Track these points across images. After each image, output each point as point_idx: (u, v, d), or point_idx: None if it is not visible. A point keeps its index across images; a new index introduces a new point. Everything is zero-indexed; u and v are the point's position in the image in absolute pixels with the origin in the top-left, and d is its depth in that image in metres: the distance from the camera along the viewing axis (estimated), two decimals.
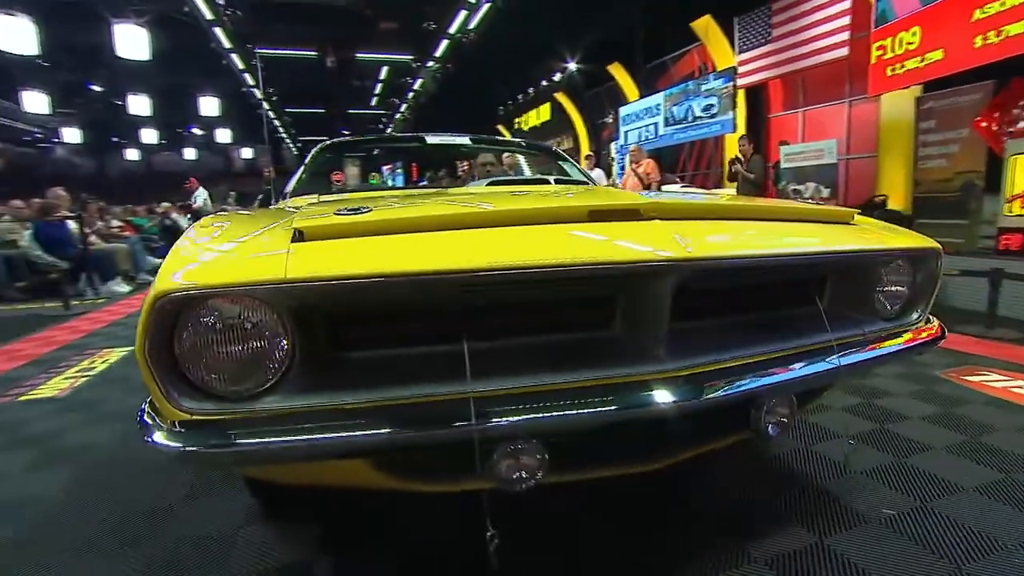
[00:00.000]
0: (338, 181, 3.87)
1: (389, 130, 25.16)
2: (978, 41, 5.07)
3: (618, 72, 13.57)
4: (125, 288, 6.23)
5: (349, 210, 1.08)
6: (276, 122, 23.84)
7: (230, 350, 0.90)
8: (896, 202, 6.88)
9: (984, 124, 5.09)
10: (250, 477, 1.44)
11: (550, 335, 1.10)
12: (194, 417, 0.89)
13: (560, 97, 17.09)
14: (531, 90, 19.07)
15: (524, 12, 11.66)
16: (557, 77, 16.63)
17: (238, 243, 0.99)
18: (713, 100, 9.56)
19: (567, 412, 0.94)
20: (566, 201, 1.35)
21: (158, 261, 5.22)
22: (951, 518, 1.50)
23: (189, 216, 8.64)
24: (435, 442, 0.93)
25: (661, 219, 1.08)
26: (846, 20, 7.20)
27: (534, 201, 1.34)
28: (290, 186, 2.58)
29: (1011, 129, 4.87)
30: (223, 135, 24.06)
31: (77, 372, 3.17)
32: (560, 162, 3.16)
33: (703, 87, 9.80)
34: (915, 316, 1.44)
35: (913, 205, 6.37)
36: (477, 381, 0.93)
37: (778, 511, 1.56)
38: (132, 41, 10.74)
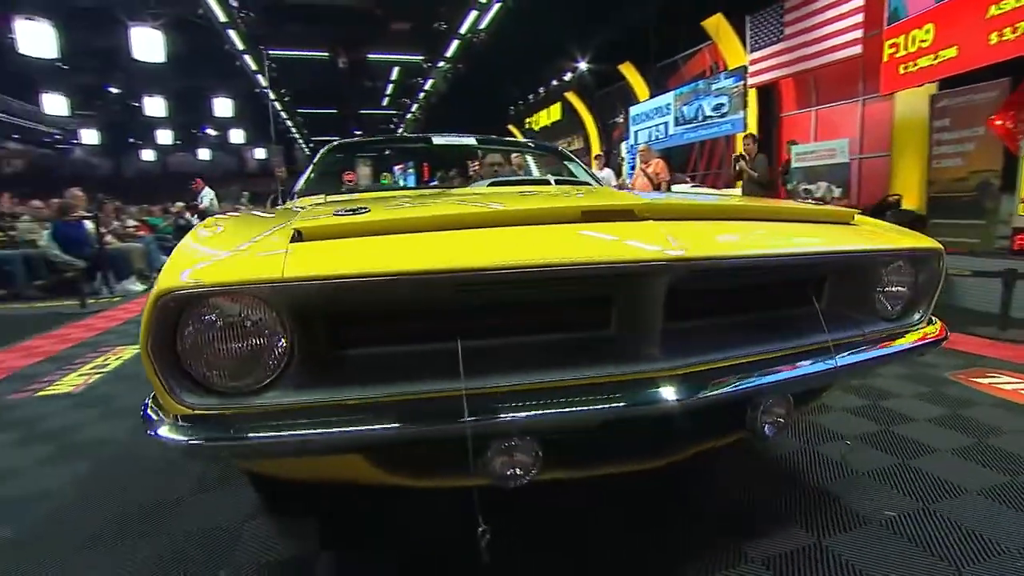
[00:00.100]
0: (350, 181, 3.92)
1: (400, 130, 25.33)
2: (993, 38, 5.00)
3: (629, 71, 13.52)
4: (140, 287, 6.34)
5: (347, 211, 1.11)
6: (289, 123, 24.09)
7: (230, 347, 0.92)
8: (910, 202, 6.79)
9: (999, 122, 5.01)
10: (253, 472, 1.47)
11: (545, 334, 1.11)
12: (196, 412, 0.91)
13: (571, 97, 17.06)
14: (542, 90, 19.05)
15: (534, 12, 11.67)
16: (568, 77, 16.60)
17: (239, 243, 1.01)
18: (723, 99, 9.50)
19: (559, 410, 0.96)
20: (561, 201, 1.36)
21: None
22: (953, 521, 1.49)
23: (196, 216, 8.74)
24: (429, 438, 0.95)
25: (655, 219, 1.09)
26: (859, 18, 7.12)
27: (530, 201, 1.35)
28: (298, 186, 2.62)
29: None
30: (236, 136, 24.36)
31: (92, 369, 3.24)
32: (566, 162, 3.16)
33: (713, 86, 9.75)
34: (917, 317, 1.43)
35: (927, 205, 6.28)
36: (471, 379, 0.94)
37: (778, 511, 1.56)
38: (148, 44, 10.94)
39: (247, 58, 14.30)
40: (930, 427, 2.10)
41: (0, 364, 3.36)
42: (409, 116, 23.10)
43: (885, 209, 6.51)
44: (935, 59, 5.57)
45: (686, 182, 9.60)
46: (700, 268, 1.03)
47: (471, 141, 3.12)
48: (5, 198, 10.20)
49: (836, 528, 1.46)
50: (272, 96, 18.67)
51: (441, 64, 15.40)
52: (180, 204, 10.29)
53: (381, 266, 0.91)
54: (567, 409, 0.96)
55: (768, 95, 9.50)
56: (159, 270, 0.97)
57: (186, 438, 0.90)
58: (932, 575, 1.29)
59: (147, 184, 23.12)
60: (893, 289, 1.40)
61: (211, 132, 25.81)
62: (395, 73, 19.29)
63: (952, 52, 5.39)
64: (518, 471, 1.01)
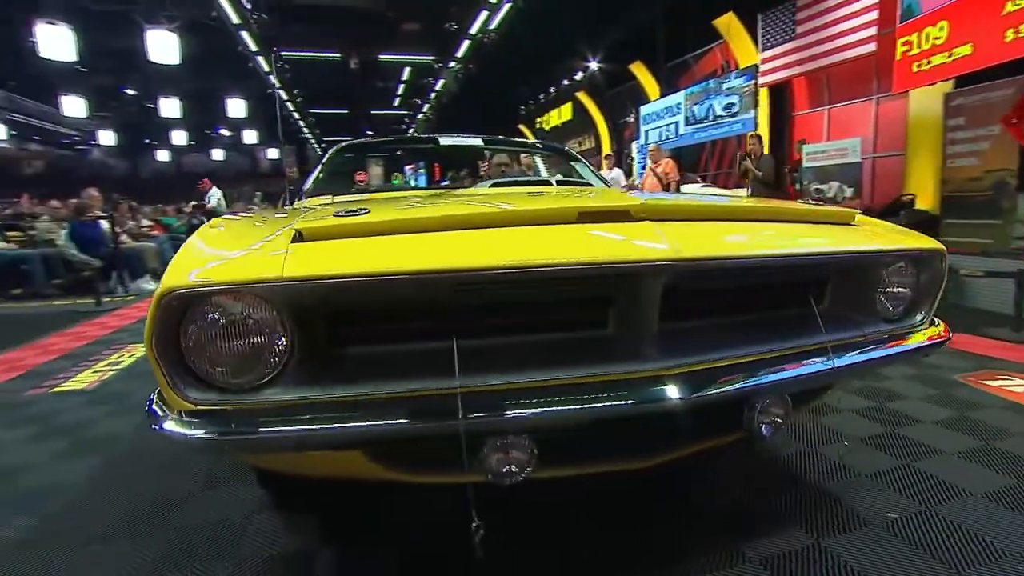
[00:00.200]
0: (361, 181, 3.95)
1: (412, 130, 25.43)
2: (1009, 35, 4.91)
3: (640, 71, 13.47)
4: (153, 286, 6.42)
5: (348, 211, 1.13)
6: (301, 123, 24.31)
7: (232, 344, 0.95)
8: (924, 202, 6.69)
9: (1015, 121, 4.92)
10: (258, 468, 1.50)
11: (543, 334, 1.12)
12: (198, 407, 0.94)
13: (582, 97, 17.03)
14: (552, 90, 19.03)
15: (545, 12, 11.66)
16: (578, 76, 16.56)
17: (241, 244, 1.04)
18: (734, 99, 9.43)
19: (553, 409, 0.97)
20: (559, 202, 1.38)
21: None
22: (955, 523, 1.48)
23: (203, 216, 8.81)
24: (424, 435, 0.97)
25: (651, 220, 1.10)
26: (873, 15, 7.02)
27: (528, 202, 1.37)
28: (306, 187, 2.65)
29: None
30: (249, 136, 24.61)
31: (105, 366, 3.31)
32: (572, 163, 3.17)
33: (724, 85, 9.68)
34: (919, 318, 1.42)
35: (941, 204, 6.19)
36: (467, 377, 0.96)
37: (778, 511, 1.56)
38: (163, 46, 11.08)
39: (260, 59, 14.44)
40: (936, 429, 2.08)
41: (18, 361, 3.44)
42: (420, 116, 23.18)
43: (899, 209, 6.43)
44: (949, 57, 5.49)
45: (696, 182, 9.54)
46: (695, 269, 1.04)
47: (477, 142, 3.15)
48: (25, 198, 10.42)
49: (836, 529, 1.46)
50: (285, 97, 18.88)
51: (452, 64, 15.44)
52: (195, 203, 10.43)
53: (379, 266, 0.93)
54: (561, 408, 0.97)
55: (780, 94, 9.41)
56: None
57: (189, 433, 0.93)
58: None
59: (162, 184, 23.47)
60: (894, 290, 1.39)
61: (224, 133, 26.11)
62: (406, 73, 19.38)
63: (967, 49, 5.31)
64: (514, 468, 1.03)
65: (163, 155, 27.63)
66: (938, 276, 1.40)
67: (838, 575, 1.30)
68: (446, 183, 5.02)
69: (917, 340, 1.38)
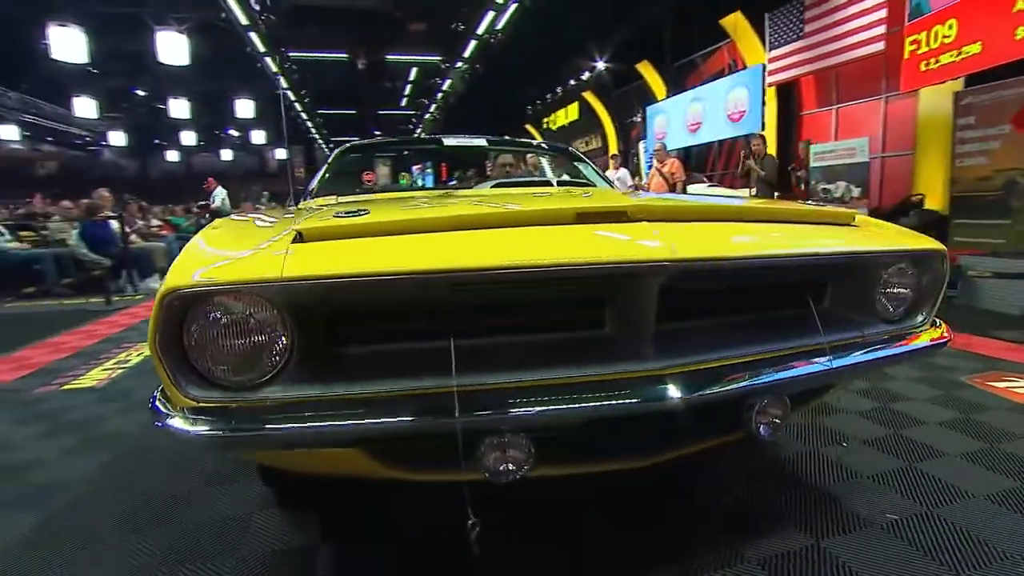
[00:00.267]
0: (369, 181, 3.98)
1: (419, 130, 25.50)
2: (1020, 33, 4.86)
3: (646, 70, 13.42)
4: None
5: (347, 213, 1.14)
6: (309, 123, 24.44)
7: (233, 343, 0.96)
8: (934, 202, 6.63)
9: None
10: (262, 466, 1.52)
11: (540, 334, 1.13)
12: (200, 404, 0.96)
13: (588, 96, 16.99)
14: (559, 89, 19.00)
15: (551, 12, 11.66)
16: (585, 76, 16.53)
17: (243, 244, 1.06)
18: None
19: (547, 408, 0.98)
20: (557, 203, 1.39)
21: None
22: (956, 525, 1.47)
23: (207, 216, 8.82)
24: (421, 432, 0.98)
25: (648, 221, 1.11)
26: (882, 13, 6.97)
27: (526, 203, 1.38)
28: (312, 187, 2.68)
29: None
30: (258, 136, 24.77)
31: (114, 364, 3.36)
32: (575, 163, 3.18)
33: (731, 85, 9.63)
34: (920, 319, 1.42)
35: (950, 204, 6.13)
36: (464, 376, 0.97)
37: (778, 512, 1.56)
38: (173, 48, 11.20)
39: (268, 60, 14.55)
40: (940, 431, 2.07)
41: (30, 359, 3.50)
42: (428, 116, 23.24)
43: (908, 209, 6.37)
44: (958, 55, 5.44)
45: (703, 182, 9.51)
46: (691, 269, 1.05)
47: (481, 142, 3.16)
48: (37, 199, 10.56)
49: (835, 530, 1.46)
50: (292, 97, 19.00)
51: (459, 64, 15.47)
52: (199, 204, 10.51)
53: (377, 266, 0.95)
54: (556, 407, 0.98)
55: (788, 93, 9.36)
56: None
57: (191, 429, 0.95)
58: None
59: (172, 184, 23.70)
60: (895, 290, 1.39)
61: (233, 133, 26.31)
62: (413, 74, 19.45)
63: (976, 48, 5.25)
64: (511, 467, 1.04)
65: (172, 155, 27.89)
66: (939, 277, 1.39)
67: (835, 575, 1.30)
68: (453, 183, 5.06)
69: (917, 341, 1.37)
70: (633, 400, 1.02)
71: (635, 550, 1.41)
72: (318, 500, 1.69)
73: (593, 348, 1.11)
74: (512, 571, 1.36)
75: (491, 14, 11.98)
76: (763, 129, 8.87)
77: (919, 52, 5.94)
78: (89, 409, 2.58)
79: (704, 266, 1.06)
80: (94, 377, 3.09)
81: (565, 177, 3.30)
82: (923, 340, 1.38)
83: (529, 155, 4.69)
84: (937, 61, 5.72)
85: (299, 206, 2.43)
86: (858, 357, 1.26)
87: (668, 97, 11.92)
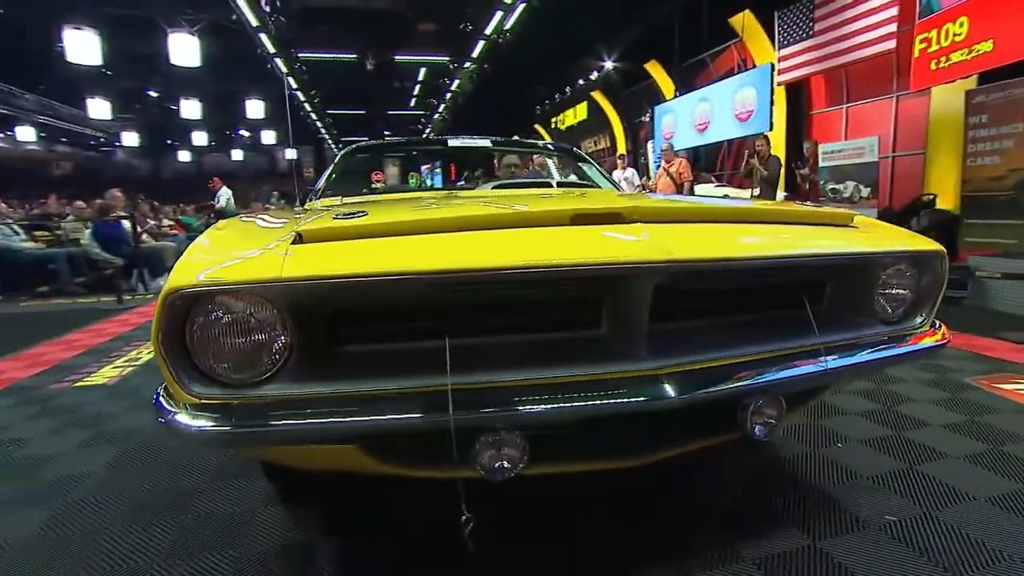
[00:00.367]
0: (378, 181, 4.02)
1: (428, 130, 25.60)
2: None
3: (655, 70, 13.38)
4: None
5: (346, 214, 1.16)
6: (318, 124, 24.61)
7: (234, 342, 0.99)
8: (946, 201, 6.56)
9: None
10: (264, 462, 1.55)
11: (536, 334, 1.15)
12: (202, 401, 0.98)
13: (597, 96, 16.97)
14: (568, 89, 19.00)
15: (559, 12, 11.66)
16: (594, 76, 16.52)
17: (244, 245, 1.08)
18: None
19: (542, 407, 1.00)
20: (553, 204, 1.40)
21: None
22: (956, 527, 1.47)
23: (211, 216, 8.83)
24: (416, 430, 1.00)
25: (643, 222, 1.12)
26: (893, 11, 6.91)
27: (523, 205, 1.39)
28: (318, 186, 2.72)
29: None
30: (268, 136, 24.99)
31: (125, 362, 3.41)
32: (580, 163, 3.19)
33: (740, 84, 9.57)
34: (919, 320, 1.42)
35: (961, 204, 6.07)
36: (459, 375, 0.99)
37: (776, 511, 1.57)
38: (185, 49, 11.34)
39: (278, 61, 14.68)
40: (944, 433, 2.05)
41: (43, 356, 3.57)
42: (436, 116, 23.31)
43: (919, 209, 6.30)
44: (968, 53, 5.38)
45: (710, 182, 9.47)
46: (685, 270, 1.06)
47: (486, 143, 3.17)
48: (52, 199, 10.73)
49: (833, 531, 1.46)
50: (302, 98, 19.15)
51: (467, 65, 15.50)
52: (203, 204, 10.62)
53: (374, 267, 0.97)
54: (549, 406, 1.00)
55: (797, 93, 9.30)
56: None
57: (192, 425, 0.97)
58: None
59: (183, 184, 23.95)
60: (893, 291, 1.39)
61: (244, 133, 26.57)
62: (422, 74, 19.52)
63: (987, 46, 5.20)
64: (506, 464, 1.05)
65: (184, 155, 28.21)
66: (938, 278, 1.39)
67: None
68: (461, 182, 5.10)
69: (916, 342, 1.37)
70: (627, 399, 1.04)
71: (631, 548, 1.42)
72: (320, 496, 1.71)
73: (588, 348, 1.12)
74: (508, 568, 1.38)
75: (499, 14, 12.00)
76: (771, 129, 8.82)
77: (929, 50, 5.89)
78: (100, 406, 2.63)
79: (697, 267, 1.06)
80: (105, 374, 3.15)
81: (572, 178, 3.32)
82: (922, 341, 1.38)
83: (534, 155, 4.71)
84: (948, 59, 5.66)
85: (305, 207, 2.47)
86: (854, 358, 1.26)
87: (676, 97, 11.86)
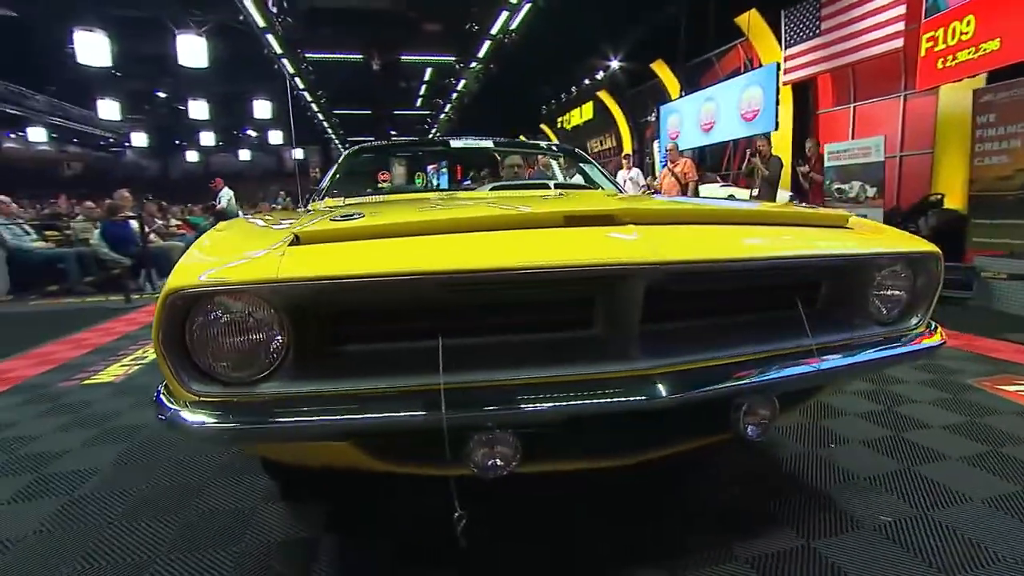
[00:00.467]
0: (384, 181, 4.05)
1: (434, 130, 25.66)
2: None
3: (661, 70, 13.35)
4: None
5: (342, 216, 1.19)
6: (325, 124, 24.72)
7: (232, 340, 1.01)
8: (954, 201, 6.51)
9: None
10: (265, 459, 1.57)
11: (529, 334, 1.16)
12: (201, 399, 1.01)
13: (603, 96, 16.95)
14: (573, 89, 18.98)
15: (565, 11, 11.65)
16: (600, 76, 16.49)
17: (243, 247, 1.10)
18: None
19: (533, 406, 1.01)
20: (546, 206, 1.41)
21: None
22: (951, 528, 1.47)
23: (212, 218, 8.84)
24: (409, 428, 1.02)
25: (636, 224, 1.13)
26: (901, 9, 6.86)
27: (518, 206, 1.40)
28: (322, 186, 2.75)
29: None
30: (275, 137, 25.14)
31: (132, 360, 3.46)
32: (581, 164, 3.21)
33: (746, 83, 9.53)
34: (914, 321, 1.42)
35: (968, 204, 6.02)
36: (451, 375, 1.00)
37: (771, 511, 1.57)
38: (192, 50, 11.44)
39: (285, 62, 14.76)
40: (943, 434, 2.05)
41: (52, 355, 3.62)
42: (443, 116, 23.35)
43: (926, 209, 6.26)
44: (975, 52, 5.34)
45: (716, 182, 9.44)
46: (675, 272, 1.07)
47: (488, 144, 3.19)
48: (62, 199, 10.86)
49: (827, 531, 1.47)
50: (309, 98, 19.25)
51: (473, 65, 15.52)
52: (203, 206, 10.71)
53: (368, 268, 0.99)
54: (540, 405, 1.01)
55: (804, 92, 9.25)
56: None
57: (192, 422, 0.99)
58: None
59: (192, 184, 24.15)
60: (888, 292, 1.39)
61: (251, 133, 26.74)
62: (428, 74, 19.56)
63: (994, 45, 5.16)
64: (499, 462, 1.07)
65: (192, 156, 28.44)
66: (934, 279, 1.39)
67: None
68: (468, 182, 5.12)
69: (911, 343, 1.38)
70: (619, 399, 1.05)
71: (624, 547, 1.43)
72: (321, 493, 1.74)
73: (582, 348, 1.14)
74: (505, 565, 1.39)
75: (505, 14, 12.00)
76: (777, 128, 8.79)
77: (936, 49, 5.85)
78: (107, 403, 2.67)
79: (687, 269, 1.08)
80: (112, 373, 3.20)
81: (578, 178, 3.33)
82: (917, 342, 1.38)
83: (539, 156, 4.71)
84: (954, 58, 5.62)
85: (308, 208, 2.50)
86: (848, 359, 1.27)
87: (682, 96, 11.83)
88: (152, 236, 6.92)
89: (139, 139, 24.71)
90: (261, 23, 11.79)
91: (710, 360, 1.16)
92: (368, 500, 1.70)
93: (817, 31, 8.23)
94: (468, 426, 1.01)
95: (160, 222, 7.85)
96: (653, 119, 13.44)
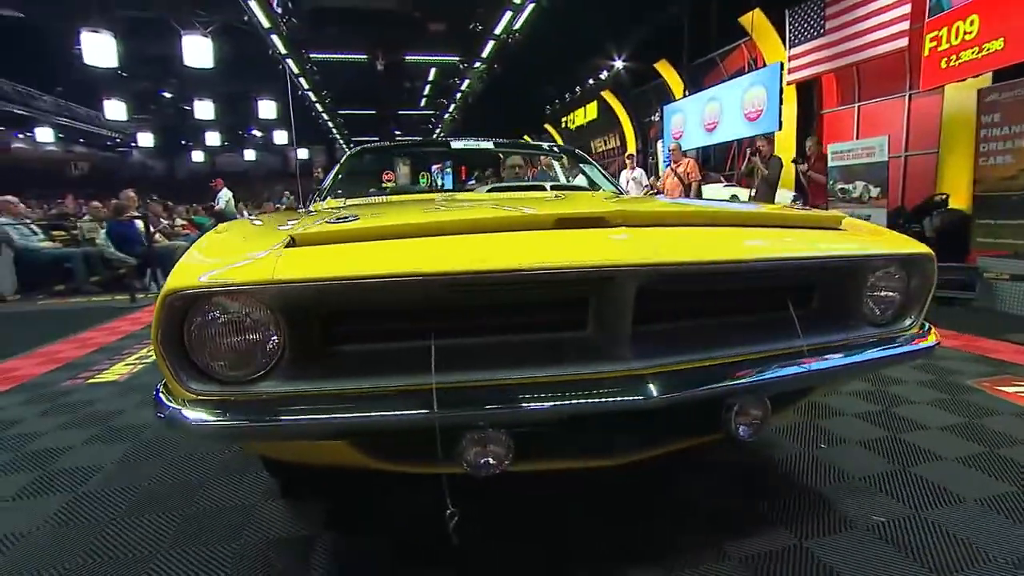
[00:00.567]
0: (389, 181, 4.08)
1: (438, 129, 25.71)
2: None
3: (665, 69, 13.34)
4: None
5: (338, 219, 1.21)
6: (330, 124, 24.80)
7: (230, 340, 1.03)
8: (959, 201, 6.48)
9: None
10: (264, 457, 1.59)
11: (522, 334, 1.18)
12: (199, 397, 1.03)
13: (607, 95, 16.95)
14: (578, 89, 19.00)
15: (569, 11, 11.66)
16: (604, 75, 16.50)
17: (241, 248, 1.13)
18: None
19: (525, 405, 1.03)
20: (540, 208, 1.42)
21: None
22: (944, 528, 1.48)
23: (211, 219, 8.87)
24: (402, 427, 1.03)
25: (627, 226, 1.15)
26: (906, 8, 6.84)
27: (510, 208, 1.42)
28: (324, 186, 2.77)
29: None
30: (280, 137, 25.23)
31: (136, 359, 3.50)
32: (581, 164, 3.22)
33: (750, 83, 9.51)
34: (908, 323, 1.43)
35: (972, 204, 5.99)
36: (443, 374, 1.02)
37: (764, 511, 1.58)
38: (198, 51, 11.51)
39: (290, 62, 14.83)
40: (940, 435, 2.05)
41: (58, 354, 3.66)
42: (447, 116, 23.40)
43: (931, 209, 6.23)
44: (979, 52, 5.32)
45: (719, 182, 9.42)
46: (665, 273, 1.08)
47: (488, 145, 3.21)
48: (69, 199, 10.95)
49: (820, 531, 1.48)
50: (314, 98, 19.31)
51: (477, 65, 15.55)
52: (203, 206, 10.77)
53: (362, 269, 1.01)
54: (530, 405, 1.03)
55: (808, 91, 9.22)
56: None
57: (190, 420, 1.01)
58: None
59: (197, 184, 24.27)
60: (881, 294, 1.40)
61: (256, 133, 26.86)
62: (432, 74, 19.60)
63: (998, 44, 5.13)
64: (491, 461, 1.09)
65: (198, 156, 28.59)
66: (927, 280, 1.40)
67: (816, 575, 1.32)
68: (472, 182, 5.15)
69: (904, 345, 1.38)
70: (610, 399, 1.06)
71: (617, 546, 1.45)
72: (320, 491, 1.76)
73: (574, 349, 1.15)
74: (499, 563, 1.41)
75: (509, 14, 12.02)
76: (780, 128, 8.77)
77: (939, 49, 5.83)
78: (111, 402, 2.71)
79: (678, 270, 1.09)
80: (116, 371, 3.23)
81: (581, 178, 3.34)
82: (910, 344, 1.39)
83: (541, 156, 4.72)
84: (958, 58, 5.60)
85: (310, 208, 2.52)
86: (840, 360, 1.28)
87: (685, 96, 11.82)
88: (157, 236, 6.98)
89: (145, 139, 24.88)
90: (266, 23, 11.86)
91: (702, 360, 1.17)
92: (366, 497, 1.72)
93: (821, 31, 8.21)
94: (460, 425, 1.03)
95: (165, 222, 7.91)
96: (657, 119, 13.43)
